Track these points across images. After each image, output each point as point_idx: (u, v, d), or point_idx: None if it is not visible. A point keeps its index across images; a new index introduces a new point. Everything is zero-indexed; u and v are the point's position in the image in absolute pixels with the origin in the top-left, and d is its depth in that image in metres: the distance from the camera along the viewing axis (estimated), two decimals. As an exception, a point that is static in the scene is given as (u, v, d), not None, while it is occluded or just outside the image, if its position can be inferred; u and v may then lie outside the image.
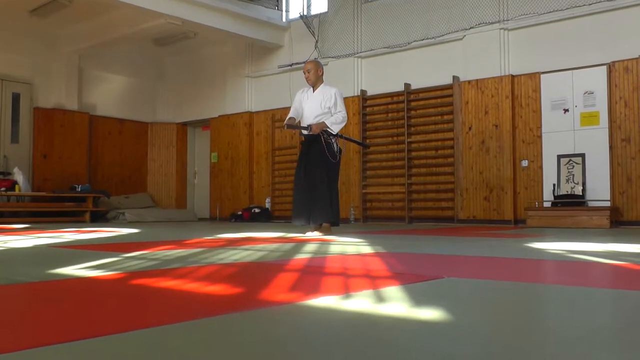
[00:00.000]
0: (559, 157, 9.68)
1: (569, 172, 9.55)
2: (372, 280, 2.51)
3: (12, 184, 11.99)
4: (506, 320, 1.72)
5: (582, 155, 9.48)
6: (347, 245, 4.83)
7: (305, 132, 6.94)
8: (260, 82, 14.01)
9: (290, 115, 6.95)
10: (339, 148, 7.01)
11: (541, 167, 9.94)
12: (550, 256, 3.87)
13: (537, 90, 10.04)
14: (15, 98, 13.00)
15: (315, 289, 2.28)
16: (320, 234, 6.59)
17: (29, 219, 12.00)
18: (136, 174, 15.35)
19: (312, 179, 6.75)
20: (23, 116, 13.12)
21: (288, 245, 4.84)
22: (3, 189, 11.81)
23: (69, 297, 2.18)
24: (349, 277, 2.65)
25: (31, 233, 7.20)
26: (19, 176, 12.17)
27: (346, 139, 7.54)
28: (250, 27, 12.79)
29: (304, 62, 12.69)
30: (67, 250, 4.50)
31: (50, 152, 13.40)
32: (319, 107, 6.91)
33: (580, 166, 9.46)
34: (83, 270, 2.94)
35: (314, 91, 7.02)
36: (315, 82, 7.01)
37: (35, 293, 2.31)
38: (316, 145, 6.84)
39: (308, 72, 7.00)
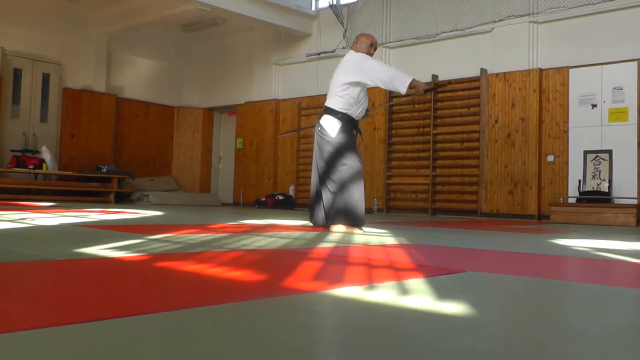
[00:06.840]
0: (586, 152, 9.57)
1: (595, 168, 9.45)
2: (396, 272, 2.52)
3: (40, 162, 12.17)
4: (528, 317, 1.72)
5: (609, 152, 9.36)
6: (371, 236, 4.83)
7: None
8: (287, 69, 14.01)
9: None
10: None
11: (567, 163, 9.84)
12: (574, 253, 3.84)
13: (565, 84, 9.93)
14: (45, 78, 13.17)
15: (338, 279, 2.29)
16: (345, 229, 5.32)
17: (55, 197, 12.16)
18: (161, 157, 15.45)
19: None
20: (52, 96, 13.28)
21: (311, 234, 4.86)
22: (31, 166, 11.99)
23: (93, 277, 2.21)
24: (372, 268, 2.65)
25: (57, 211, 7.29)
26: (46, 155, 12.34)
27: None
28: (279, 15, 12.78)
29: (331, 52, 12.73)
30: (93, 230, 4.56)
31: (77, 132, 13.54)
32: None
33: (607, 162, 9.35)
34: (108, 250, 2.98)
35: None
36: None
37: (59, 271, 2.35)
38: None
39: None
